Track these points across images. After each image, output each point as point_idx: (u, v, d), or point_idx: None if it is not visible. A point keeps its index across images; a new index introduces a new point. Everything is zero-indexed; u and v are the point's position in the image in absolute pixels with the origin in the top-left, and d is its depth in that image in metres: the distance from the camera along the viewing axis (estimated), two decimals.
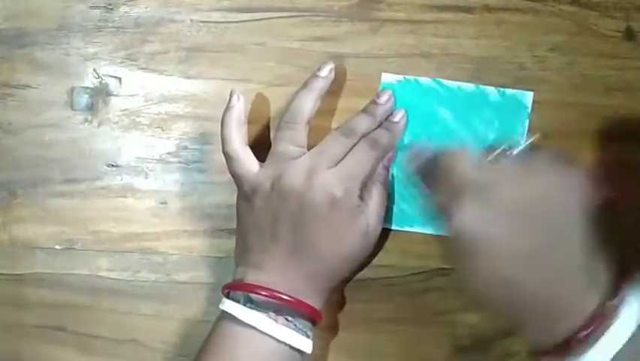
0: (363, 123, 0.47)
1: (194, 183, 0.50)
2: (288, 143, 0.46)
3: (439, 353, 0.49)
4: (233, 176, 0.46)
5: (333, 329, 0.50)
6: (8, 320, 0.50)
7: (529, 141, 0.45)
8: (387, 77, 0.49)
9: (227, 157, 0.46)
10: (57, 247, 0.50)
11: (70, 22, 0.51)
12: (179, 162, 0.50)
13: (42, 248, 0.50)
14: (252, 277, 0.44)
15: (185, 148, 0.50)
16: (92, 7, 0.51)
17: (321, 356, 0.49)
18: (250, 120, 0.50)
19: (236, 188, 0.49)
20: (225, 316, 0.44)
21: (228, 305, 0.43)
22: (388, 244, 0.49)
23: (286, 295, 0.43)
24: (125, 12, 0.51)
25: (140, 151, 0.51)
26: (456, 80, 0.50)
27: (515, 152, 0.44)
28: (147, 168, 0.50)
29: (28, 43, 0.51)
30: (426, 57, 0.50)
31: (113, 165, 0.50)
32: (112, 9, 0.51)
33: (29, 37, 0.51)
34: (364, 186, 0.46)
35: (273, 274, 0.44)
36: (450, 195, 0.42)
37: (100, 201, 0.50)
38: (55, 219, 0.50)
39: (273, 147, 0.46)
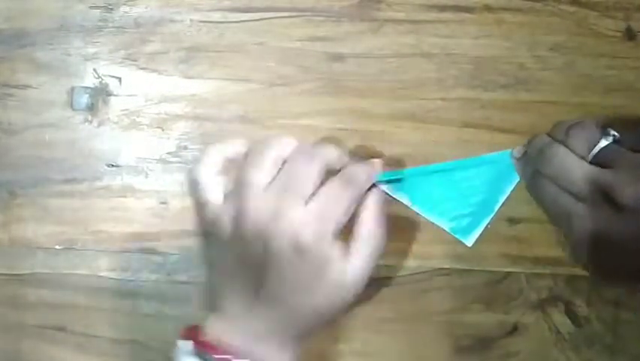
0: (335, 155, 0.42)
1: None
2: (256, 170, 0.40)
3: (439, 353, 0.49)
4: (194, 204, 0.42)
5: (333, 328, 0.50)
6: (8, 320, 0.50)
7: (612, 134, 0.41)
8: None
9: (192, 181, 0.42)
10: (57, 247, 0.50)
11: (70, 22, 0.51)
12: (179, 162, 0.50)
13: (42, 248, 0.50)
14: (214, 326, 0.40)
15: (185, 148, 0.50)
16: (92, 7, 0.51)
17: (321, 356, 0.49)
18: (250, 121, 0.50)
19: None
20: None
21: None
22: (388, 244, 0.49)
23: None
24: (125, 12, 0.51)
25: (140, 151, 0.51)
26: (456, 80, 0.50)
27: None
28: (147, 168, 0.50)
29: (28, 43, 0.51)
30: (426, 57, 0.50)
31: (113, 165, 0.50)
32: (112, 9, 0.51)
33: (29, 37, 0.51)
34: (346, 233, 0.41)
35: (235, 321, 0.40)
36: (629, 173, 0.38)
37: (100, 201, 0.50)
38: (55, 219, 0.50)
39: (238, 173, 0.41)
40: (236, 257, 0.40)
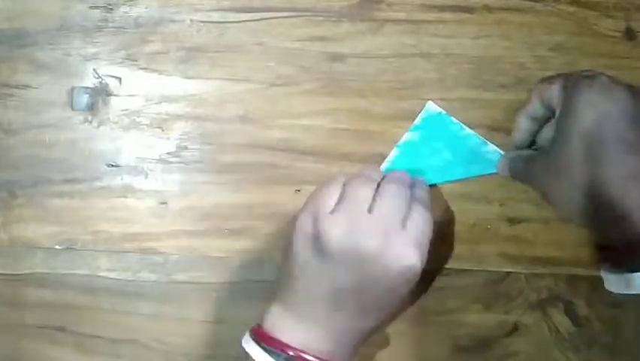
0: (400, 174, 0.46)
1: (194, 183, 0.50)
2: (364, 186, 0.43)
3: (439, 353, 0.49)
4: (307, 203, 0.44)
5: None
6: (8, 320, 0.50)
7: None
8: (430, 106, 0.49)
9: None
10: (57, 247, 0.50)
11: (71, 22, 0.51)
12: (179, 162, 0.50)
13: (42, 248, 0.50)
14: (289, 329, 0.42)
15: (185, 148, 0.50)
16: (92, 7, 0.51)
17: None
18: (250, 121, 0.50)
19: (236, 188, 0.49)
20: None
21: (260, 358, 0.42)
22: None
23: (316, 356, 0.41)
24: (125, 12, 0.51)
25: (140, 151, 0.51)
26: (456, 80, 0.50)
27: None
28: (147, 168, 0.50)
29: (29, 43, 0.51)
30: (426, 57, 0.50)
31: (113, 165, 0.50)
32: (112, 9, 0.51)
33: (29, 37, 0.51)
34: None
35: (315, 329, 0.42)
36: (573, 84, 0.42)
37: (100, 201, 0.50)
38: (55, 219, 0.50)
39: (346, 188, 0.43)
40: (339, 271, 0.41)
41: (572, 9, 0.50)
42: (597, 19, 0.50)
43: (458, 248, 0.49)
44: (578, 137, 0.41)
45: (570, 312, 0.49)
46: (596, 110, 0.41)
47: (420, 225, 0.43)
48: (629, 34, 0.50)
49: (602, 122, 0.40)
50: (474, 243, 0.49)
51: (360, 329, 0.43)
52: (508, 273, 0.49)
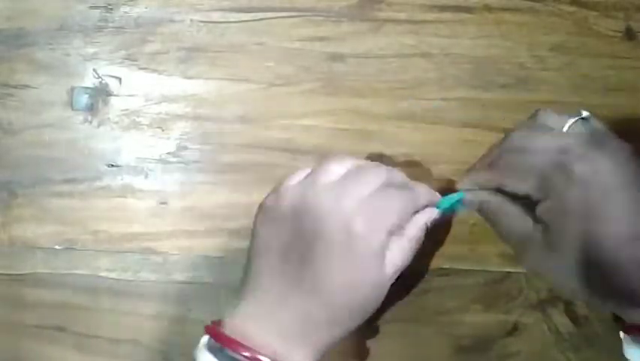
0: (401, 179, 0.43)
1: (194, 183, 0.50)
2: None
3: (439, 353, 0.49)
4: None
5: None
6: (8, 320, 0.50)
7: (584, 115, 0.42)
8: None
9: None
10: (57, 247, 0.50)
11: (70, 22, 0.51)
12: (179, 162, 0.50)
13: (42, 248, 0.50)
14: (237, 320, 0.40)
15: (185, 148, 0.50)
16: (92, 7, 0.51)
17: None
18: (250, 121, 0.50)
19: (236, 188, 0.50)
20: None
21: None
22: None
23: (271, 358, 0.38)
24: (125, 12, 0.51)
25: (140, 151, 0.51)
26: (456, 80, 0.50)
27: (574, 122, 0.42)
28: (147, 168, 0.50)
29: (28, 43, 0.51)
30: (426, 57, 0.50)
31: (113, 165, 0.50)
32: (112, 9, 0.51)
33: (29, 37, 0.51)
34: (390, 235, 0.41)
35: (264, 313, 0.40)
36: (551, 167, 0.40)
37: (100, 201, 0.50)
38: (55, 219, 0.50)
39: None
40: (289, 233, 0.40)
41: (572, 9, 0.51)
42: (597, 19, 0.50)
43: (458, 248, 0.49)
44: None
45: (570, 312, 0.49)
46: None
47: (379, 202, 0.41)
48: (629, 34, 0.50)
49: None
50: (474, 243, 0.49)
51: (313, 315, 0.40)
52: (508, 273, 0.49)
